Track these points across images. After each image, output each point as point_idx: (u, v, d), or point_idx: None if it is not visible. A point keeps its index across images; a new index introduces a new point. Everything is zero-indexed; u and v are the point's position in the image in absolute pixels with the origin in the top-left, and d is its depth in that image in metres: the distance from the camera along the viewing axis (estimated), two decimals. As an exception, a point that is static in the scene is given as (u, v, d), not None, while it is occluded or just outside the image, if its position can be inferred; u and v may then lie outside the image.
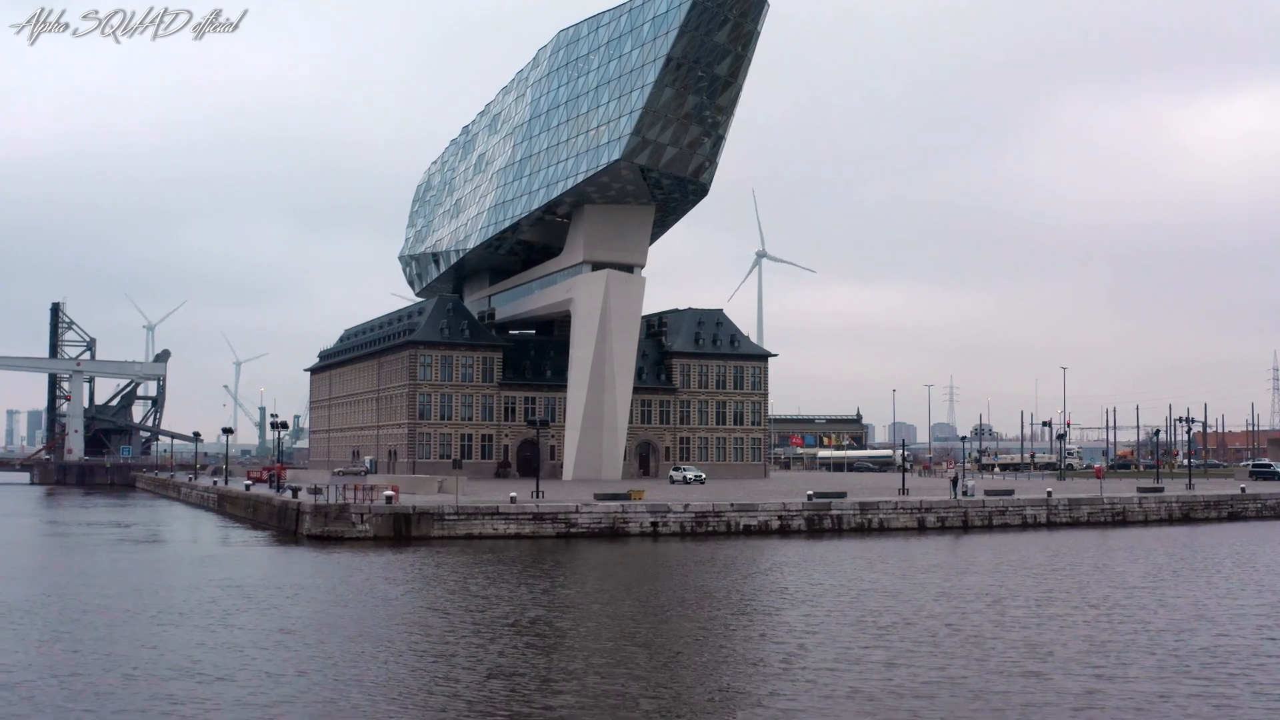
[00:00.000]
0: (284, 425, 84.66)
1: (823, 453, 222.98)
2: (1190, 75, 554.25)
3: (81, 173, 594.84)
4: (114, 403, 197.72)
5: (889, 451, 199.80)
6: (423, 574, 44.99)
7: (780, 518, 68.16)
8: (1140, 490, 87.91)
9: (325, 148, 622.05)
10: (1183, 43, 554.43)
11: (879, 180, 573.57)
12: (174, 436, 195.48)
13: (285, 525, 70.06)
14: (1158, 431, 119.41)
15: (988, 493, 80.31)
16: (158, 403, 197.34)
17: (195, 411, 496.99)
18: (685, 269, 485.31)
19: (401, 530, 62.79)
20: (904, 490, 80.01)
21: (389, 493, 65.86)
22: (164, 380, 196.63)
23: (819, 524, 68.73)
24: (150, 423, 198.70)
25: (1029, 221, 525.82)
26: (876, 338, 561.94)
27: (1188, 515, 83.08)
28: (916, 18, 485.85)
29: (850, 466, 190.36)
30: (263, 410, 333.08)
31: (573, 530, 64.28)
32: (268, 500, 77.10)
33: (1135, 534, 70.75)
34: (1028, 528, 73.94)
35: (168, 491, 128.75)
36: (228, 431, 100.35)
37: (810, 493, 71.80)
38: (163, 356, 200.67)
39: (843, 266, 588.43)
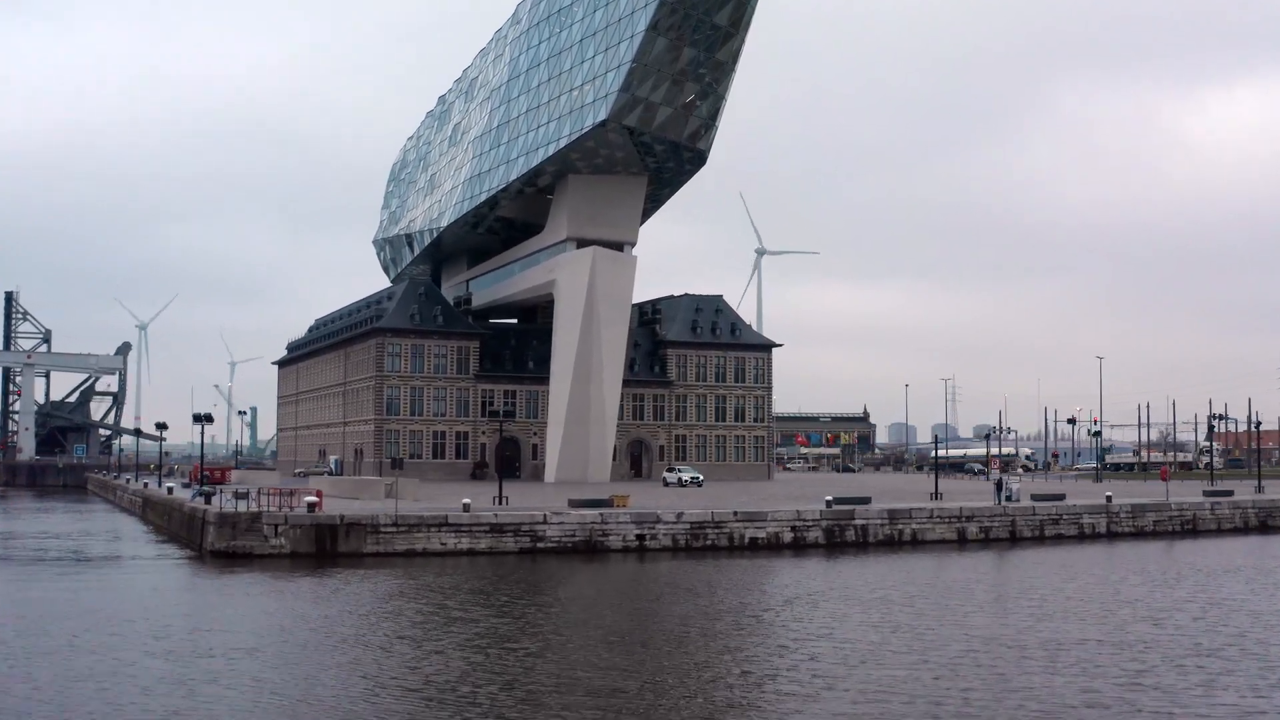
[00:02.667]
0: (209, 418, 72.39)
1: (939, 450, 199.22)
2: (1191, 67, 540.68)
3: (64, 169, 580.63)
4: (71, 398, 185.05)
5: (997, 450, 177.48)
6: (290, 616, 32.52)
7: (794, 529, 55.92)
8: (1207, 494, 75.79)
9: (324, 143, 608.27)
10: (1183, 32, 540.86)
11: (879, 172, 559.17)
12: (137, 434, 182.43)
13: (193, 537, 57.85)
14: (1211, 428, 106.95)
15: (1034, 497, 68.21)
16: (118, 399, 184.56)
17: (187, 412, 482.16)
18: (683, 260, 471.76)
19: (325, 545, 50.58)
20: (937, 495, 67.73)
21: (311, 498, 53.47)
22: (124, 374, 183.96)
23: (839, 535, 56.59)
24: (111, 420, 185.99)
25: (1029, 218, 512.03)
26: (875, 336, 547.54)
27: (1265, 523, 71.39)
28: (917, 6, 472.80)
29: (956, 468, 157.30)
30: (254, 410, 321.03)
31: (540, 545, 52.09)
32: (179, 507, 64.90)
33: (1214, 546, 58.98)
34: (1085, 538, 62.09)
35: (108, 494, 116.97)
36: (161, 427, 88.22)
37: (829, 498, 59.54)
38: (123, 349, 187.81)
39: (842, 263, 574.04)
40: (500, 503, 60.01)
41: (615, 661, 25.59)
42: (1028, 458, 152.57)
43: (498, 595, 37.25)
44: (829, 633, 29.51)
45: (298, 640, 28.51)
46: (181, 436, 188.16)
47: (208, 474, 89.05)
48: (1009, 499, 66.05)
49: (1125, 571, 45.83)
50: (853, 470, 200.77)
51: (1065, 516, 63.76)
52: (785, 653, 26.91)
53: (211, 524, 53.47)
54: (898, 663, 25.44)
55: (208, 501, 59.64)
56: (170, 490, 77.51)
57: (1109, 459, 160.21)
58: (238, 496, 58.21)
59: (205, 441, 74.64)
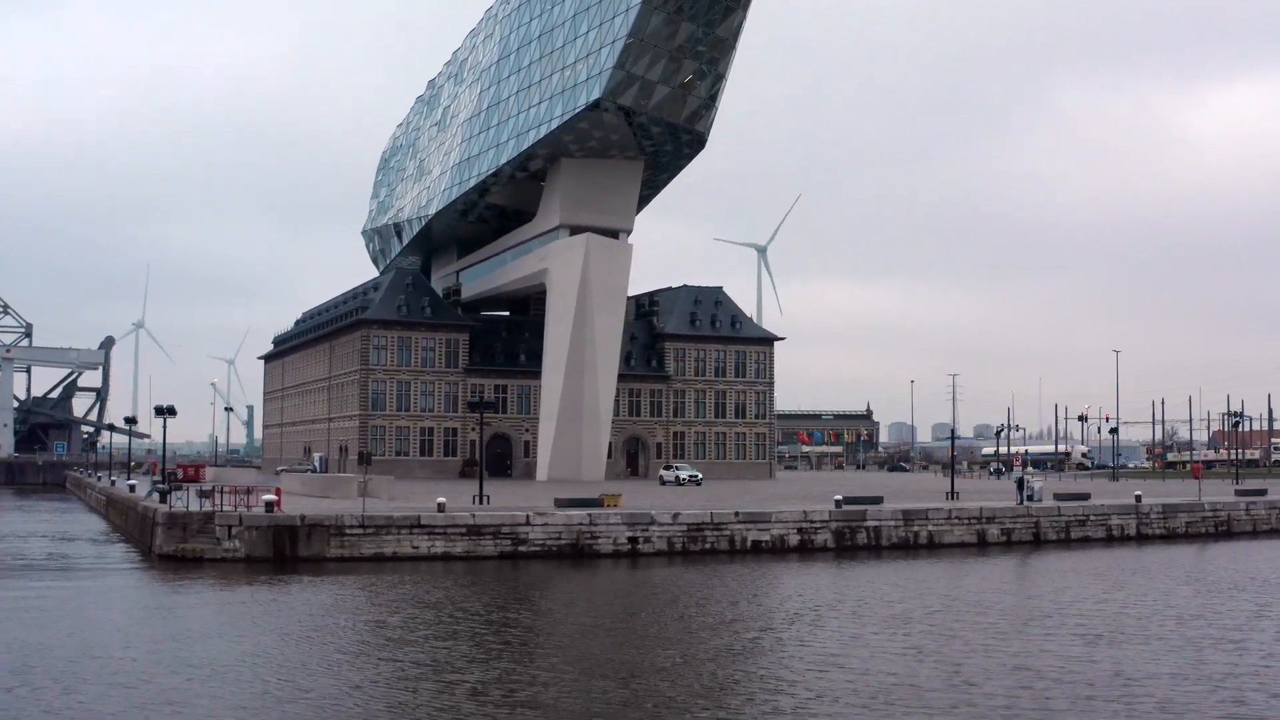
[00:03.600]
0: (172, 411, 67.49)
1: (989, 449, 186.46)
2: (1191, 61, 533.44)
3: (59, 166, 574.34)
4: (53, 394, 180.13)
5: (1060, 448, 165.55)
6: (204, 637, 27.56)
7: (800, 530, 51.04)
8: (1240, 494, 71.04)
9: (321, 138, 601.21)
10: (1183, 27, 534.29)
11: (878, 168, 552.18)
12: (111, 429, 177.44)
13: (144, 539, 53.07)
14: (1237, 423, 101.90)
15: (1058, 497, 63.44)
16: (101, 395, 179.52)
17: (183, 411, 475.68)
18: (682, 255, 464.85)
19: (284, 549, 45.71)
20: (953, 494, 62.86)
21: (269, 497, 48.59)
22: (108, 370, 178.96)
23: (850, 538, 51.74)
24: (94, 416, 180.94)
25: (1027, 215, 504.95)
26: (873, 335, 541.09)
27: (1302, 524, 66.65)
28: (917, 2, 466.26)
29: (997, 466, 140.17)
30: (250, 409, 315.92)
31: (522, 549, 47.23)
32: (132, 506, 60.14)
33: (1253, 549, 54.67)
34: (1113, 541, 57.36)
35: (81, 493, 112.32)
36: (130, 421, 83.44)
37: (838, 498, 54.64)
38: (106, 344, 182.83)
39: (840, 262, 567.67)
40: (480, 502, 55.16)
41: (573, 704, 20.61)
42: (1084, 455, 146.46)
43: (451, 610, 32.17)
44: (841, 661, 24.56)
45: (202, 671, 23.59)
46: (171, 434, 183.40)
47: (177, 471, 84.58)
48: (1031, 499, 61.36)
49: (1170, 580, 40.98)
50: (905, 469, 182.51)
51: (1093, 518, 59.02)
52: (789, 689, 21.96)
53: (160, 525, 48.69)
54: (934, 703, 20.45)
55: (163, 500, 54.86)
56: (132, 488, 72.68)
57: (1170, 456, 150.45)
58: (200, 495, 53.51)
59: (202, 440, 70.08)
